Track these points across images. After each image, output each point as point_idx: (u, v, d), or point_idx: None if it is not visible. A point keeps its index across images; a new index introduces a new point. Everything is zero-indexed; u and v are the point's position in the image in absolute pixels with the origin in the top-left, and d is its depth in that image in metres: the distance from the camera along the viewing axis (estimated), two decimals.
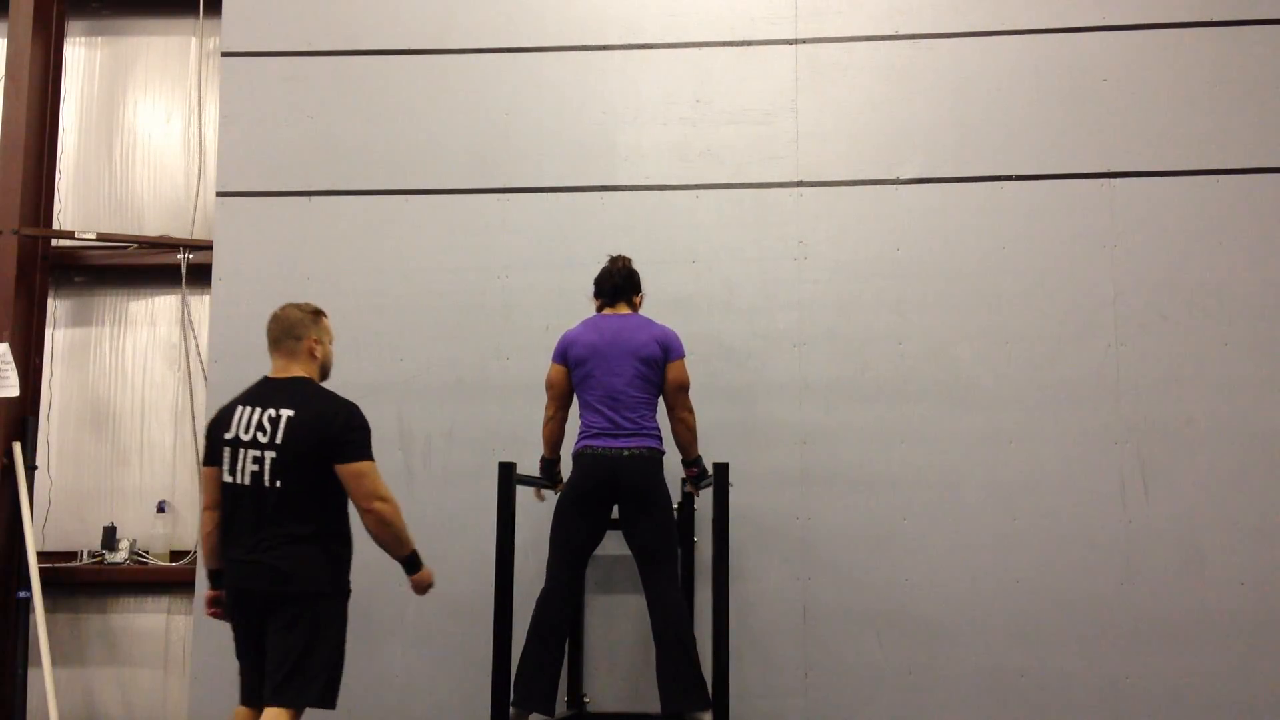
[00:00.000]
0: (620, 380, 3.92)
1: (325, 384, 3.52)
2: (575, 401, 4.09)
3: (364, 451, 3.36)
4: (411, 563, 3.50)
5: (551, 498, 4.25)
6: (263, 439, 3.32)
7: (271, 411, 3.34)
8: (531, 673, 3.78)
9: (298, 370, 3.45)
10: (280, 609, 3.27)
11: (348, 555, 3.44)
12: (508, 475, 3.99)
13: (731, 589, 3.83)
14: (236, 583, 3.35)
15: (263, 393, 3.42)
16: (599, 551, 4.42)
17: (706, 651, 3.87)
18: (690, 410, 4.03)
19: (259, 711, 3.28)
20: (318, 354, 3.50)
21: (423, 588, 3.56)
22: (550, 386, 4.08)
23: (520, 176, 4.80)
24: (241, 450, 3.33)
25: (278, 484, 3.29)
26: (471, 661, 4.42)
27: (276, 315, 3.53)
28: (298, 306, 3.56)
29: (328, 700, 3.31)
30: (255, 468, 3.31)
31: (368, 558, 4.34)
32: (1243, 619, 4.34)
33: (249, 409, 3.37)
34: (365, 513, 3.36)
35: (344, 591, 3.43)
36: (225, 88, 4.97)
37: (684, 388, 4.01)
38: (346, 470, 3.33)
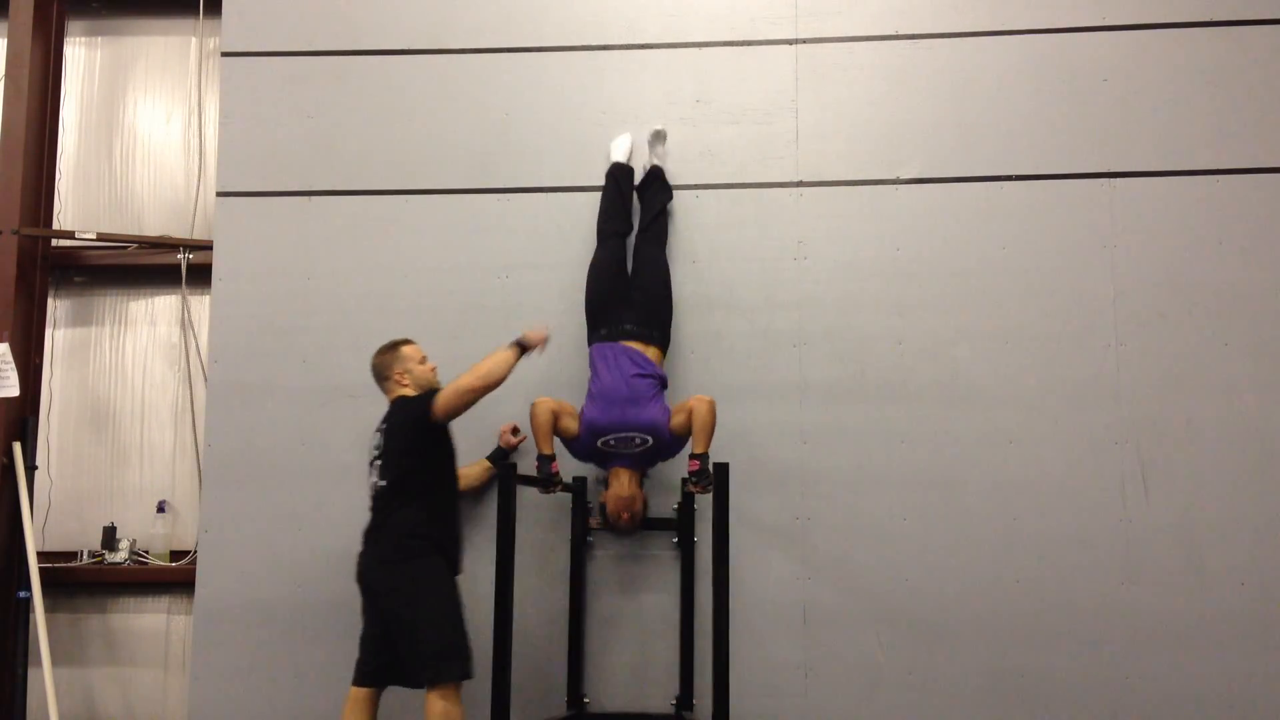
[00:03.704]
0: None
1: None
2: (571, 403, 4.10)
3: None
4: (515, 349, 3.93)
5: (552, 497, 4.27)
6: None
7: None
8: None
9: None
10: None
11: None
12: (508, 475, 3.99)
13: (731, 589, 3.82)
14: None
15: None
16: (599, 552, 4.44)
17: (706, 651, 3.87)
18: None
19: None
20: (406, 381, 4.00)
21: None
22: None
23: (520, 176, 4.79)
24: None
25: None
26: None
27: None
28: (378, 351, 4.07)
29: None
30: None
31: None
32: (1243, 619, 4.34)
33: None
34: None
35: None
36: (225, 88, 4.96)
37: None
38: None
